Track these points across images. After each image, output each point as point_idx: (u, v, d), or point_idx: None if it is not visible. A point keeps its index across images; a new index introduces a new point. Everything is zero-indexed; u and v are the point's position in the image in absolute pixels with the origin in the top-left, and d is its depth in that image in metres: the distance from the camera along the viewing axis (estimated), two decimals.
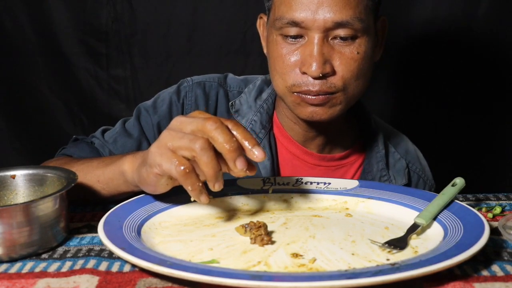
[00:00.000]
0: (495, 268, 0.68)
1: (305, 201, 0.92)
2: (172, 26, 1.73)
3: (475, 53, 1.71)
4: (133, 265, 0.69)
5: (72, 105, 1.81)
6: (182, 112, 1.15)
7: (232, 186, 0.93)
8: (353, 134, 1.16)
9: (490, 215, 0.88)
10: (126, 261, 0.70)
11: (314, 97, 0.96)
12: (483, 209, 0.91)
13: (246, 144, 0.72)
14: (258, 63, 1.71)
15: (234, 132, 0.73)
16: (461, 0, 1.68)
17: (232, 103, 1.15)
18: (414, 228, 0.78)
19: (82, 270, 0.68)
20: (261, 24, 1.10)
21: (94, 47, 1.75)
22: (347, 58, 0.95)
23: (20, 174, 0.84)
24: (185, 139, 0.72)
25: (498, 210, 0.89)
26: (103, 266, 0.70)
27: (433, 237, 0.76)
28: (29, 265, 0.71)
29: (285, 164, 1.13)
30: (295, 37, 0.96)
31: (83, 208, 0.92)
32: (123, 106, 1.79)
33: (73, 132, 1.77)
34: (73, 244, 0.78)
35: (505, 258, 0.71)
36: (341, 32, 0.94)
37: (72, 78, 1.78)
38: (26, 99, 1.80)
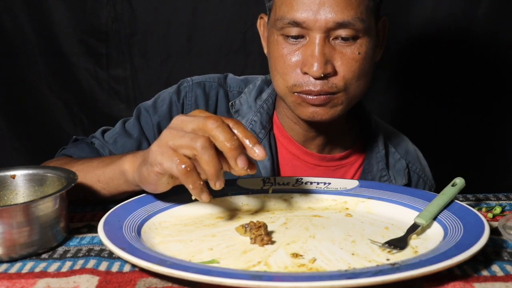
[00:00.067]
0: (495, 268, 0.68)
1: (305, 201, 0.92)
2: (172, 26, 1.73)
3: (475, 53, 1.71)
4: (133, 265, 0.69)
5: (72, 105, 1.81)
6: (182, 112, 1.15)
7: (232, 186, 0.93)
8: (353, 134, 1.16)
9: (490, 215, 0.88)
10: (126, 261, 0.70)
11: (315, 97, 0.96)
12: (483, 209, 0.91)
13: (247, 142, 0.73)
14: (258, 63, 1.71)
15: (235, 131, 0.73)
16: (461, 0, 1.68)
17: (232, 103, 1.15)
18: (414, 228, 0.78)
19: (82, 270, 0.68)
20: (261, 24, 1.10)
21: (94, 47, 1.75)
22: (348, 59, 0.95)
23: (20, 174, 0.84)
24: (186, 138, 0.72)
25: (498, 210, 0.89)
26: (103, 266, 0.70)
27: (433, 237, 0.76)
28: (29, 265, 0.71)
29: (285, 164, 1.13)
30: (296, 37, 0.96)
31: (83, 208, 0.92)
32: (123, 106, 1.79)
33: (73, 132, 1.77)
34: (73, 244, 0.78)
35: (505, 258, 0.71)
36: (343, 32, 0.94)
37: (72, 78, 1.78)
38: (26, 99, 1.80)
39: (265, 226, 0.76)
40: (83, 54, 1.76)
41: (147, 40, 1.74)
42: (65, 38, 1.74)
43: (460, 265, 0.67)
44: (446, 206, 0.83)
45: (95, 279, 0.66)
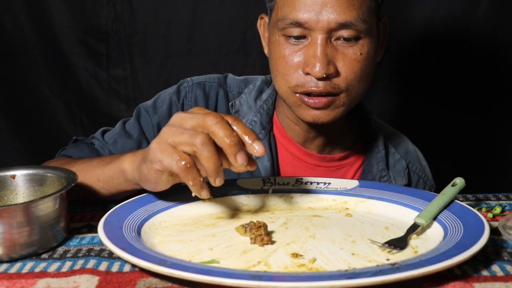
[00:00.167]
0: (495, 268, 0.68)
1: (305, 201, 0.92)
2: (172, 26, 1.73)
3: (475, 53, 1.71)
4: (133, 265, 0.69)
5: (72, 105, 1.81)
6: None
7: (232, 186, 0.93)
8: (353, 135, 1.16)
9: (490, 215, 0.88)
10: (126, 261, 0.70)
11: (316, 100, 0.96)
12: (483, 209, 0.91)
13: (246, 138, 0.73)
14: (258, 63, 1.71)
15: (234, 127, 0.73)
16: (461, 0, 1.68)
17: (232, 103, 1.15)
18: (414, 228, 0.78)
19: (82, 270, 0.68)
20: (261, 24, 1.10)
21: (94, 47, 1.75)
22: (350, 59, 0.95)
23: (20, 174, 0.84)
24: (186, 135, 0.72)
25: (498, 210, 0.89)
26: (103, 266, 0.70)
27: (433, 237, 0.76)
28: (29, 265, 0.71)
29: (285, 164, 1.13)
30: (298, 37, 0.96)
31: (83, 208, 0.92)
32: (123, 106, 1.79)
33: (73, 132, 1.77)
34: (73, 244, 0.78)
35: (505, 258, 0.71)
36: (345, 33, 0.94)
37: (72, 78, 1.78)
38: (26, 99, 1.80)
39: (265, 226, 0.76)
40: (83, 54, 1.76)
41: (147, 40, 1.74)
42: (65, 38, 1.74)
43: (460, 265, 0.67)
44: (446, 206, 0.83)
45: (95, 279, 0.66)
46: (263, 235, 0.75)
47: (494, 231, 0.78)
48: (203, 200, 0.84)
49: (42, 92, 1.79)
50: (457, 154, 1.78)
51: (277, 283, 0.58)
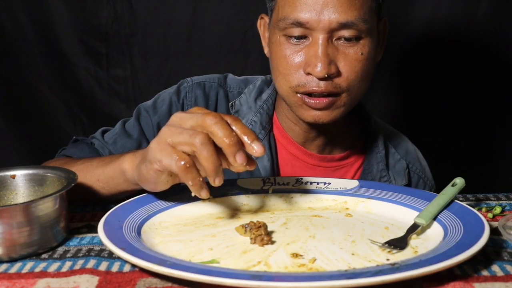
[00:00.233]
0: (495, 268, 0.68)
1: (305, 201, 0.92)
2: (172, 26, 1.73)
3: (475, 53, 1.71)
4: (133, 265, 0.69)
5: (72, 105, 1.81)
6: None
7: (232, 186, 0.93)
8: (354, 135, 1.16)
9: (490, 215, 0.88)
10: (126, 261, 0.70)
11: (317, 101, 0.96)
12: (483, 209, 0.91)
13: (245, 139, 0.73)
14: (258, 63, 1.71)
15: (234, 127, 0.73)
16: (461, 0, 1.68)
17: (232, 103, 1.15)
18: (414, 228, 0.78)
19: (82, 270, 0.68)
20: (261, 24, 1.10)
21: (94, 47, 1.75)
22: (351, 59, 0.96)
23: (20, 174, 0.84)
24: (185, 134, 0.72)
25: (498, 210, 0.89)
26: (103, 266, 0.70)
27: (433, 237, 0.76)
28: (29, 265, 0.71)
29: (285, 165, 1.13)
30: (299, 37, 0.96)
31: (83, 208, 0.92)
32: (123, 106, 1.79)
33: (73, 132, 1.77)
34: (73, 244, 0.78)
35: (505, 258, 0.71)
36: (346, 33, 0.94)
37: (72, 78, 1.78)
38: (26, 99, 1.80)
39: (265, 226, 0.76)
40: (83, 54, 1.76)
41: (147, 40, 1.74)
42: (65, 38, 1.74)
43: (460, 265, 0.67)
44: (446, 206, 0.83)
45: (95, 279, 0.66)
46: (263, 235, 0.75)
47: (494, 231, 0.78)
48: (203, 200, 0.84)
49: (42, 92, 1.79)
50: (457, 154, 1.78)
51: (277, 283, 0.58)
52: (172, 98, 1.15)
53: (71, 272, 0.68)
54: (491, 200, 0.97)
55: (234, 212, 0.88)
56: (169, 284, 0.65)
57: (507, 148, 1.80)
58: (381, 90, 1.76)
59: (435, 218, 0.80)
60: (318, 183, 0.95)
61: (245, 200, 0.91)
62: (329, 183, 0.95)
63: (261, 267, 0.67)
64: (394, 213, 0.86)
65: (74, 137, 1.16)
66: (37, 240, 0.73)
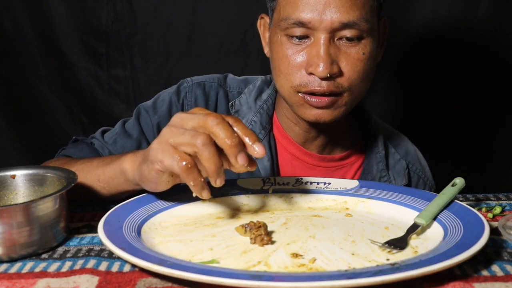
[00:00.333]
0: (495, 268, 0.68)
1: (305, 201, 0.92)
2: (172, 26, 1.73)
3: (475, 53, 1.71)
4: (133, 265, 0.69)
5: (72, 105, 1.81)
6: None
7: (232, 186, 0.93)
8: (354, 135, 1.16)
9: (490, 215, 0.88)
10: (126, 261, 0.70)
11: (319, 100, 0.96)
12: (483, 209, 0.91)
13: (246, 140, 0.73)
14: (258, 63, 1.71)
15: (235, 128, 0.73)
16: (461, 0, 1.68)
17: (232, 103, 1.15)
18: (414, 228, 0.78)
19: (82, 270, 0.68)
20: (261, 24, 1.10)
21: (94, 47, 1.75)
22: (353, 59, 0.96)
23: (20, 174, 0.84)
24: (187, 135, 0.72)
25: (498, 210, 0.89)
26: (103, 266, 0.70)
27: (433, 237, 0.76)
28: (29, 265, 0.71)
29: (285, 165, 1.13)
30: (301, 37, 0.96)
31: (83, 208, 0.92)
32: (123, 106, 1.79)
33: (73, 132, 1.77)
34: (73, 244, 0.78)
35: (505, 258, 0.71)
36: (347, 32, 0.94)
37: (72, 78, 1.78)
38: (26, 99, 1.80)
39: (265, 226, 0.76)
40: (83, 54, 1.76)
41: (147, 40, 1.74)
42: (65, 38, 1.74)
43: (460, 265, 0.67)
44: (446, 206, 0.83)
45: (95, 279, 0.66)
46: (263, 235, 0.75)
47: (494, 231, 0.78)
48: (203, 200, 0.84)
49: (42, 92, 1.79)
50: (457, 154, 1.78)
51: (277, 283, 0.58)
52: (172, 98, 1.15)
53: (71, 272, 0.68)
54: (491, 200, 0.97)
55: (234, 212, 0.88)
56: (169, 284, 0.65)
57: (507, 148, 1.80)
58: (381, 90, 1.76)
59: (435, 218, 0.80)
60: (318, 183, 0.95)
61: (245, 200, 0.91)
62: (329, 183, 0.95)
63: (261, 267, 0.67)
64: (394, 213, 0.86)
65: (74, 137, 1.16)
66: (37, 240, 0.73)
